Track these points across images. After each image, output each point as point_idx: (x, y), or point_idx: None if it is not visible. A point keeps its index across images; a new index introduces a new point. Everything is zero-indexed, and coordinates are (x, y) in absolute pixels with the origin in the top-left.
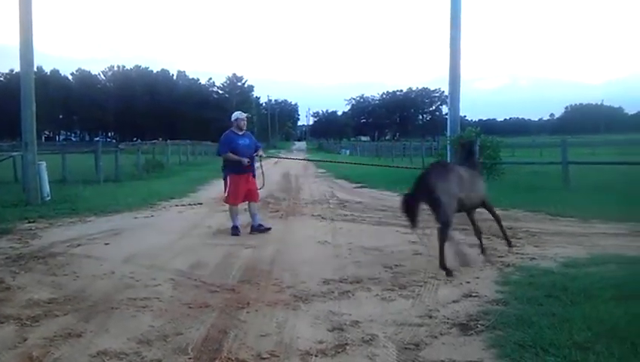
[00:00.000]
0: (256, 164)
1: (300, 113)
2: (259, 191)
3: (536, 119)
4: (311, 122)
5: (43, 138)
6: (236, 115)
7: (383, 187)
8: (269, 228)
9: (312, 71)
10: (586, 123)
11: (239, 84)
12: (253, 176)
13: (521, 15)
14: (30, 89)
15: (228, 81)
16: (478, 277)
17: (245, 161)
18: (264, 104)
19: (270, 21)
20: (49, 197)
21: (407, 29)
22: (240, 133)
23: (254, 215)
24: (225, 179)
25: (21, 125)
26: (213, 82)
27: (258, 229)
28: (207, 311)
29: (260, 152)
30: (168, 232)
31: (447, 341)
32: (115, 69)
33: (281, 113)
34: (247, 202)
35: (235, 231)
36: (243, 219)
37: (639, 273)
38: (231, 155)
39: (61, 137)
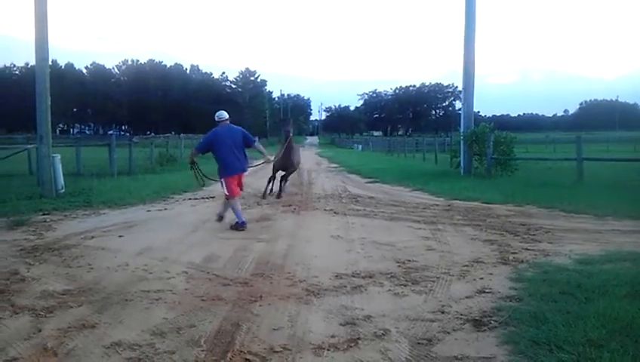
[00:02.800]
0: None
1: (312, 108)
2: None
3: (550, 115)
4: (323, 117)
5: (57, 131)
6: (218, 114)
7: (396, 182)
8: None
9: (325, 66)
10: (600, 119)
11: (252, 78)
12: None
13: (536, 9)
14: (45, 83)
15: (241, 76)
16: (491, 274)
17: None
18: (277, 98)
19: (284, 16)
20: (63, 190)
21: (421, 24)
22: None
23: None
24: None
25: (36, 118)
26: (227, 76)
27: (220, 217)
28: (220, 303)
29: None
30: (181, 225)
31: (460, 336)
32: (129, 63)
33: (293, 108)
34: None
35: (242, 226)
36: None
37: None
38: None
39: (75, 130)
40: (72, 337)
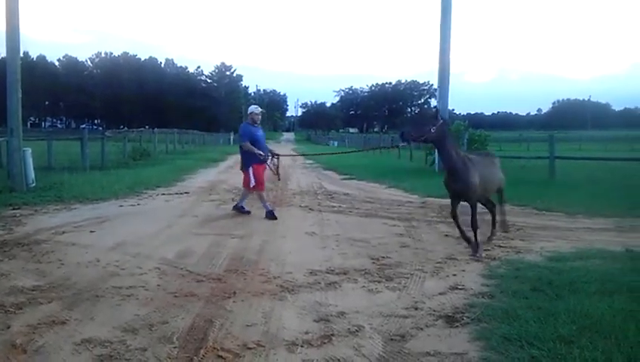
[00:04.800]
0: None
1: (288, 104)
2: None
3: (524, 114)
4: (299, 113)
5: (29, 124)
6: (251, 108)
7: (371, 179)
8: (249, 212)
9: (301, 61)
10: (573, 118)
11: (228, 73)
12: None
13: (512, 9)
14: (16, 75)
15: (216, 70)
16: (464, 270)
17: (260, 152)
18: (253, 94)
19: (260, 10)
20: (34, 184)
21: (398, 21)
22: (256, 125)
23: (243, 198)
24: (247, 170)
25: (6, 111)
26: (202, 71)
27: (239, 209)
28: (193, 300)
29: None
30: (155, 221)
31: (432, 333)
32: (103, 55)
33: (269, 103)
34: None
35: (271, 215)
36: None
37: (623, 268)
38: (249, 145)
39: (47, 124)
40: (42, 334)
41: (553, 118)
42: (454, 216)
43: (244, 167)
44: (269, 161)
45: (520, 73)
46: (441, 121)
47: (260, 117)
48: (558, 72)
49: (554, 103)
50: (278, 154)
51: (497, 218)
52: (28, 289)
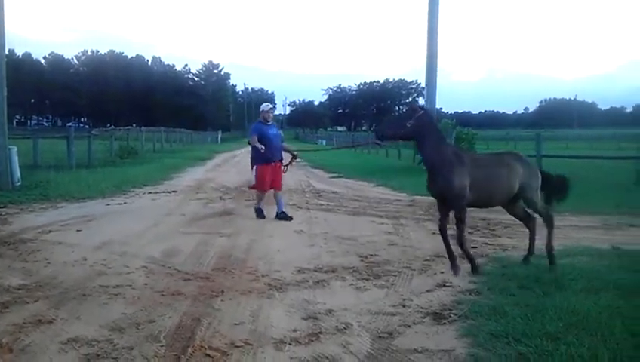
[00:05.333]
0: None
1: (276, 102)
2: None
3: (512, 112)
4: (287, 111)
5: (14, 122)
6: (262, 106)
7: (359, 177)
8: (291, 218)
9: (289, 60)
10: (559, 117)
11: (215, 71)
12: (283, 165)
13: (499, 8)
14: (1, 72)
15: (204, 68)
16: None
17: (261, 146)
18: (240, 92)
19: (248, 9)
20: (20, 183)
21: (386, 20)
22: (268, 124)
23: (279, 202)
24: (252, 169)
25: None
26: (189, 69)
27: (281, 216)
28: (181, 298)
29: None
30: (141, 220)
31: (420, 330)
32: (89, 53)
33: (257, 102)
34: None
35: (259, 214)
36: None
37: (610, 265)
38: (254, 139)
39: (33, 122)
40: (28, 333)
41: (540, 117)
42: (441, 230)
43: (251, 166)
44: (285, 162)
45: (507, 73)
46: (421, 111)
47: (270, 114)
48: (545, 72)
49: (541, 102)
50: (295, 155)
51: (538, 236)
52: (14, 288)
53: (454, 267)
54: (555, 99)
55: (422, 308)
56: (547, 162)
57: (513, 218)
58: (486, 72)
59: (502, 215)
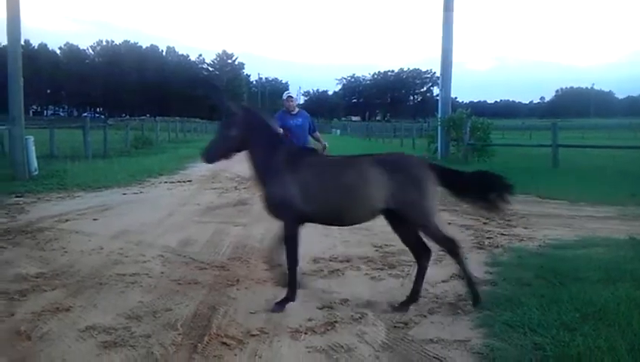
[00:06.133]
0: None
1: (291, 92)
2: None
3: (527, 102)
4: (302, 101)
5: (31, 113)
6: (284, 95)
7: None
8: None
9: (303, 50)
10: (576, 106)
11: (229, 61)
12: None
13: None
14: (17, 63)
15: (218, 58)
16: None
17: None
18: (254, 82)
19: None
20: (37, 172)
21: (400, 10)
22: (292, 113)
23: None
24: None
25: (8, 99)
26: (203, 59)
27: None
28: (197, 287)
29: (324, 143)
30: (157, 209)
31: (435, 320)
32: (104, 43)
33: (271, 91)
34: None
35: None
36: None
37: (627, 256)
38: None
39: (49, 112)
40: (46, 321)
41: (556, 106)
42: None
43: None
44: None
45: (522, 61)
46: (242, 112)
47: (291, 103)
48: (561, 60)
49: (557, 91)
50: (325, 146)
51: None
52: (32, 276)
53: (288, 295)
54: (571, 88)
55: (437, 298)
56: (563, 152)
57: (528, 208)
58: (501, 61)
59: (517, 205)
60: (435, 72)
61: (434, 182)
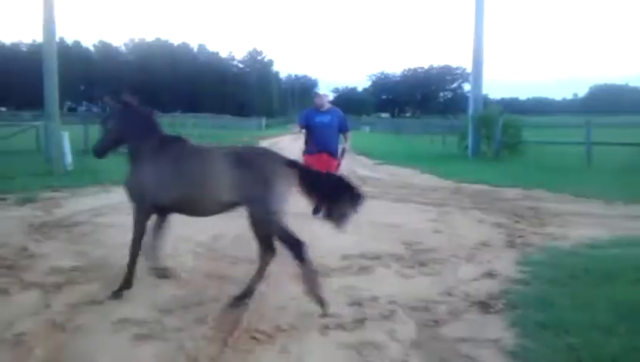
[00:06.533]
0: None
1: (320, 89)
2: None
3: (560, 98)
4: (331, 98)
5: (65, 109)
6: (314, 92)
7: (403, 164)
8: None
9: (333, 46)
10: (610, 104)
11: (259, 58)
12: (335, 159)
13: None
14: (53, 61)
15: (248, 56)
16: (499, 257)
17: (296, 129)
18: (284, 79)
19: None
20: (71, 167)
21: (430, 5)
22: (321, 111)
23: None
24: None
25: (44, 96)
26: (234, 56)
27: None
28: (227, 282)
29: (345, 145)
30: None
31: (466, 319)
32: (136, 41)
33: (301, 88)
34: None
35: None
36: None
37: None
38: (298, 127)
39: (83, 108)
40: (81, 313)
41: (590, 103)
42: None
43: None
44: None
45: (556, 58)
46: (121, 104)
47: (320, 100)
48: (593, 56)
49: (591, 88)
50: (344, 148)
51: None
52: (67, 269)
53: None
54: (605, 85)
55: (468, 296)
56: (597, 149)
57: (562, 207)
58: (534, 57)
59: (550, 203)
60: (465, 69)
61: (286, 181)
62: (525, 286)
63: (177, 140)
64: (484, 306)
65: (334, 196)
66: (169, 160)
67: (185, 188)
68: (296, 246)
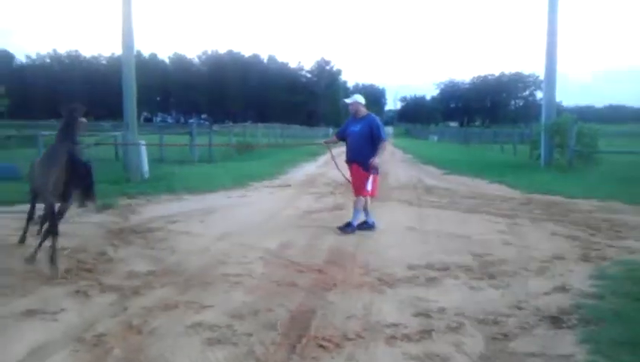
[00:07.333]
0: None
1: (387, 98)
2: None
3: (638, 106)
4: (398, 107)
5: (142, 119)
6: (342, 100)
7: (472, 174)
8: (350, 231)
9: (400, 54)
10: None
11: (327, 67)
12: (365, 171)
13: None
14: (131, 72)
15: (316, 65)
16: (572, 271)
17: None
18: (351, 88)
19: (357, 4)
20: (148, 176)
21: (501, 10)
22: (357, 118)
23: (353, 210)
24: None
25: (123, 107)
26: (302, 66)
27: (341, 228)
28: (296, 289)
29: (375, 159)
30: (259, 212)
31: (537, 333)
32: (209, 53)
33: (368, 98)
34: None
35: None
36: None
37: None
38: (335, 137)
39: (158, 119)
40: (156, 316)
41: None
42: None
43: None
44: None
45: (631, 64)
46: (70, 108)
47: (353, 107)
48: None
49: None
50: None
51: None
52: (143, 274)
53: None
54: None
55: (539, 310)
56: None
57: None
58: (608, 62)
59: (627, 215)
60: (538, 76)
61: (56, 166)
62: (600, 301)
63: (60, 145)
64: (556, 321)
65: (78, 181)
66: (47, 158)
67: (40, 180)
68: (50, 220)
